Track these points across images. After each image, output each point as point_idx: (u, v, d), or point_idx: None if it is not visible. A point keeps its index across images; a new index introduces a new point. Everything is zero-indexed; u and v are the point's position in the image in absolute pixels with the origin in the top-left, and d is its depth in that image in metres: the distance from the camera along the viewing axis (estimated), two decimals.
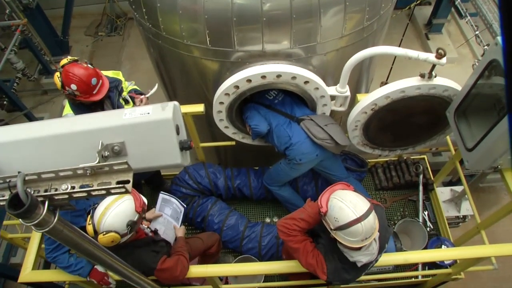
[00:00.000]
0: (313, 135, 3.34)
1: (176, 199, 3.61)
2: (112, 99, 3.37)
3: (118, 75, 3.64)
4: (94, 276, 2.97)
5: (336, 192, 2.39)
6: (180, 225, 3.39)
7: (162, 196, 3.57)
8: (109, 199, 2.43)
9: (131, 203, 2.49)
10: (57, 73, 3.07)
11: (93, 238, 2.40)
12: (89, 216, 2.46)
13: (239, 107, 3.58)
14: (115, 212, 2.40)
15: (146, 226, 3.00)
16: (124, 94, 3.51)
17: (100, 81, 3.17)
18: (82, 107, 3.25)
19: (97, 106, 3.29)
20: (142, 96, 3.53)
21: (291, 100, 3.59)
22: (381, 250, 2.57)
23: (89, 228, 2.41)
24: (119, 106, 3.41)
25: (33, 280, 3.02)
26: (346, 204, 2.27)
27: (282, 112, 3.51)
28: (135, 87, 3.76)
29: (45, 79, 8.82)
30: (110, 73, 3.54)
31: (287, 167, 3.59)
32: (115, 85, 3.42)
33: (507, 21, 0.63)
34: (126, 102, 3.52)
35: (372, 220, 2.27)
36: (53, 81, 3.17)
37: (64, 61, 3.09)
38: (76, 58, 3.14)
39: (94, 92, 3.13)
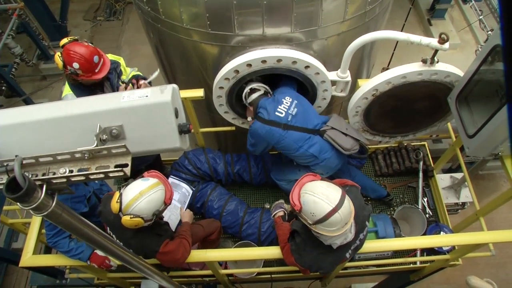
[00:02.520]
0: (342, 148, 3.16)
1: (185, 183, 3.59)
2: (111, 81, 3.35)
3: (120, 60, 3.61)
4: (94, 260, 2.99)
5: (305, 186, 2.34)
6: (186, 208, 3.38)
7: (171, 180, 3.57)
8: (144, 185, 2.42)
9: (163, 193, 2.49)
10: (58, 53, 3.04)
11: (115, 215, 2.44)
12: (117, 194, 2.46)
13: (239, 92, 3.55)
14: (148, 199, 2.39)
15: None
16: (123, 77, 3.48)
17: (102, 59, 3.14)
18: (82, 87, 3.22)
19: (97, 87, 3.27)
20: (142, 82, 3.47)
21: (302, 107, 3.25)
22: (361, 229, 2.56)
23: (116, 206, 2.41)
24: (119, 88, 3.39)
25: (34, 264, 3.04)
26: (319, 197, 2.23)
27: (300, 128, 3.19)
28: (138, 73, 3.71)
29: (43, 64, 8.76)
30: (109, 56, 3.50)
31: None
32: (114, 67, 3.40)
33: (505, 4, 0.61)
34: (125, 84, 3.49)
35: (348, 206, 2.26)
36: (52, 66, 3.16)
37: (64, 40, 3.06)
38: (76, 37, 3.11)
39: (96, 71, 3.10)
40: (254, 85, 3.36)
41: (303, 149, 3.17)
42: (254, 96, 3.34)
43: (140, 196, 2.37)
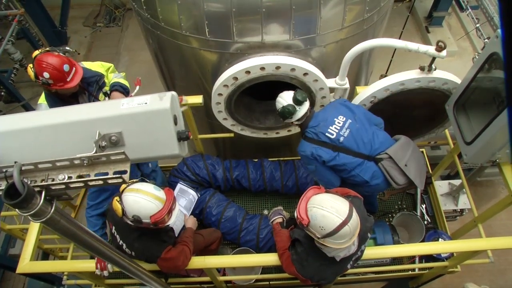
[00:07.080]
0: (394, 181, 2.97)
1: (193, 190, 3.58)
2: (90, 93, 3.30)
3: (107, 68, 3.53)
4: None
5: (312, 200, 2.30)
6: (190, 214, 3.38)
7: (180, 186, 3.56)
8: (149, 189, 2.44)
9: (154, 210, 2.43)
10: (30, 65, 3.01)
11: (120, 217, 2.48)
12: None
13: (238, 99, 3.56)
14: (137, 200, 2.40)
15: None
16: (106, 88, 3.42)
17: (74, 68, 3.08)
18: (56, 98, 3.18)
19: (73, 99, 3.22)
20: (114, 93, 3.38)
21: (357, 129, 2.93)
22: (363, 241, 2.55)
23: (118, 206, 2.44)
24: (96, 101, 3.33)
25: (31, 271, 3.01)
26: (328, 211, 2.20)
27: (352, 151, 2.91)
28: (122, 80, 3.51)
29: None
30: (96, 65, 3.45)
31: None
32: (96, 80, 3.34)
33: (506, 12, 0.62)
34: (107, 96, 3.43)
35: (356, 218, 2.25)
36: None
37: (36, 52, 3.03)
38: (48, 48, 3.08)
39: (68, 79, 3.04)
40: (298, 95, 2.87)
41: (354, 172, 2.93)
42: (303, 111, 2.92)
43: (135, 192, 2.40)
